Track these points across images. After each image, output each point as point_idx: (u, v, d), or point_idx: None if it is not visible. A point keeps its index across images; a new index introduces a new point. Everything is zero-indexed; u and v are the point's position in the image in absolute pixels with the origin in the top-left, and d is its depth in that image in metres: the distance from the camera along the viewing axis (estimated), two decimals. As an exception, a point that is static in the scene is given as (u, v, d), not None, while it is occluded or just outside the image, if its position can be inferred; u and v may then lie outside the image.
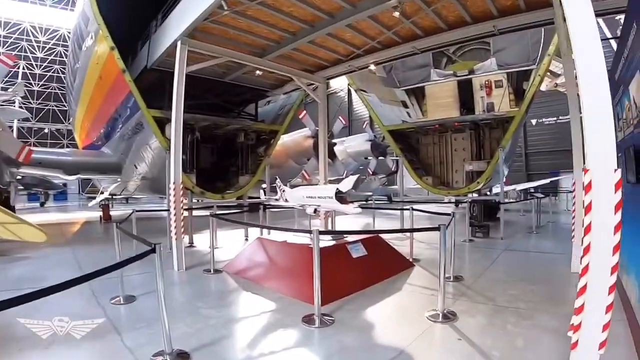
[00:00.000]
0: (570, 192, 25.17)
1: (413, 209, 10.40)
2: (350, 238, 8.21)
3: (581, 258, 3.41)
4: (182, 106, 9.39)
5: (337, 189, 7.17)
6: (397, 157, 17.69)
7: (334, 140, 23.32)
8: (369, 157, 24.73)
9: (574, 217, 8.22)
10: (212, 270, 8.53)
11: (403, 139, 15.95)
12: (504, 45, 13.85)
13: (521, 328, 5.11)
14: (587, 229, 3.33)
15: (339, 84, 47.48)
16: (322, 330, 5.08)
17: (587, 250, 3.33)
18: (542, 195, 18.34)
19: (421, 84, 15.48)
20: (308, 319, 5.37)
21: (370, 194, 27.43)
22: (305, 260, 6.73)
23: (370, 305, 6.11)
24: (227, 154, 16.22)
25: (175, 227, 8.98)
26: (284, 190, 9.55)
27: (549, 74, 19.71)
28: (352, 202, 7.50)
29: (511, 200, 18.08)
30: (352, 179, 7.17)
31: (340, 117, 23.00)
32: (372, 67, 11.68)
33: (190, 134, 13.93)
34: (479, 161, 14.05)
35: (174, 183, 9.10)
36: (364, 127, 25.87)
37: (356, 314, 5.74)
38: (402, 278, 7.84)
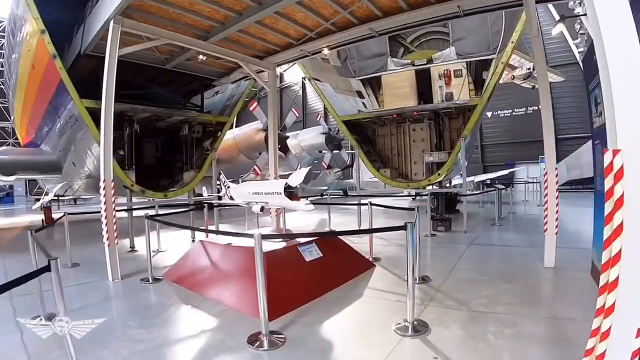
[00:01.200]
0: (529, 182, 25.61)
1: (372, 204, 9.53)
2: (303, 239, 7.33)
3: (605, 265, 2.62)
4: (112, 93, 8.19)
5: (286, 183, 6.41)
6: (352, 150, 17.02)
7: (287, 134, 22.60)
8: (324, 151, 24.07)
9: (546, 209, 7.63)
10: (150, 279, 7.49)
11: (359, 130, 15.23)
12: (464, 34, 13.45)
13: (505, 339, 4.38)
14: (618, 230, 2.50)
15: (294, 77, 46.96)
16: (271, 354, 4.19)
17: (616, 258, 2.51)
18: (504, 187, 17.90)
19: (377, 73, 14.90)
20: (254, 339, 4.48)
21: (325, 188, 26.77)
22: (251, 266, 5.84)
23: (327, 318, 5.26)
24: (171, 149, 15.04)
25: (107, 232, 7.83)
26: (228, 187, 8.70)
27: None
28: (303, 197, 6.70)
29: (474, 192, 17.62)
30: (302, 172, 6.41)
31: (293, 109, 22.08)
32: (326, 51, 10.83)
33: (128, 126, 12.85)
34: (439, 152, 13.45)
35: (104, 180, 7.93)
36: (317, 119, 25.02)
37: (312, 329, 4.88)
38: (362, 281, 7.01)
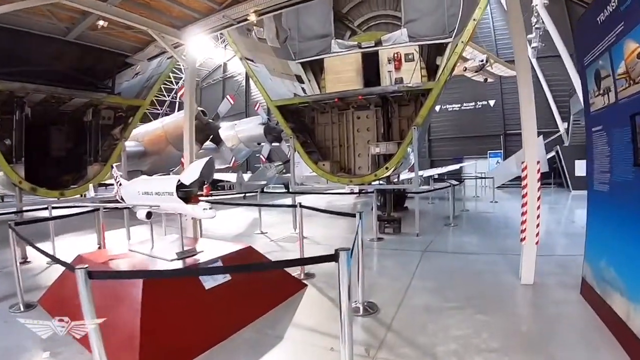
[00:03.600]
0: (479, 178, 24.44)
1: (302, 206, 7.47)
2: (207, 255, 5.41)
3: None
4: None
5: (179, 180, 4.61)
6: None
7: (221, 123, 20.83)
8: (262, 143, 22.43)
9: (524, 214, 5.97)
10: (21, 307, 5.53)
11: (295, 117, 13.37)
12: (417, 15, 12.02)
13: None
14: None
15: (238, 68, 44.99)
16: None
17: None
18: (457, 182, 16.46)
19: (320, 56, 13.24)
20: None
21: (264, 183, 25.05)
22: (133, 301, 4.01)
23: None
24: (74, 137, 12.78)
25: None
26: (120, 184, 6.77)
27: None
28: (203, 199, 4.92)
29: (428, 189, 15.93)
30: (199, 164, 4.66)
31: (228, 96, 20.30)
32: (253, 17, 8.89)
33: (18, 110, 10.61)
34: (387, 142, 11.75)
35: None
36: (256, 109, 23.23)
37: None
38: (287, 313, 5.14)
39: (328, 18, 13.22)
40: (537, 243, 5.88)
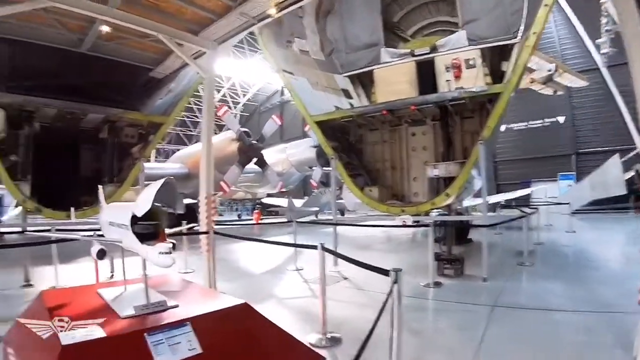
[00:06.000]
0: (552, 203, 21.58)
1: (324, 249, 5.26)
2: (180, 312, 3.65)
3: None
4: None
5: (133, 213, 3.27)
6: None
7: (272, 147, 19.79)
8: (313, 167, 21.07)
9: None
10: None
11: (339, 135, 11.82)
12: (476, 15, 10.42)
13: None
14: None
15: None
16: None
17: None
18: (531, 211, 13.98)
19: (369, 67, 11.88)
20: None
21: (317, 209, 23.62)
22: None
23: None
24: (87, 156, 11.90)
25: None
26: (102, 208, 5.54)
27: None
28: (169, 238, 3.33)
29: (500, 219, 13.22)
30: (151, 189, 3.06)
31: (273, 116, 18.99)
32: (273, 12, 7.37)
33: (27, 124, 10.01)
34: (447, 163, 9.89)
35: None
36: (306, 129, 21.73)
37: None
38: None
39: (377, 25, 11.80)
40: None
